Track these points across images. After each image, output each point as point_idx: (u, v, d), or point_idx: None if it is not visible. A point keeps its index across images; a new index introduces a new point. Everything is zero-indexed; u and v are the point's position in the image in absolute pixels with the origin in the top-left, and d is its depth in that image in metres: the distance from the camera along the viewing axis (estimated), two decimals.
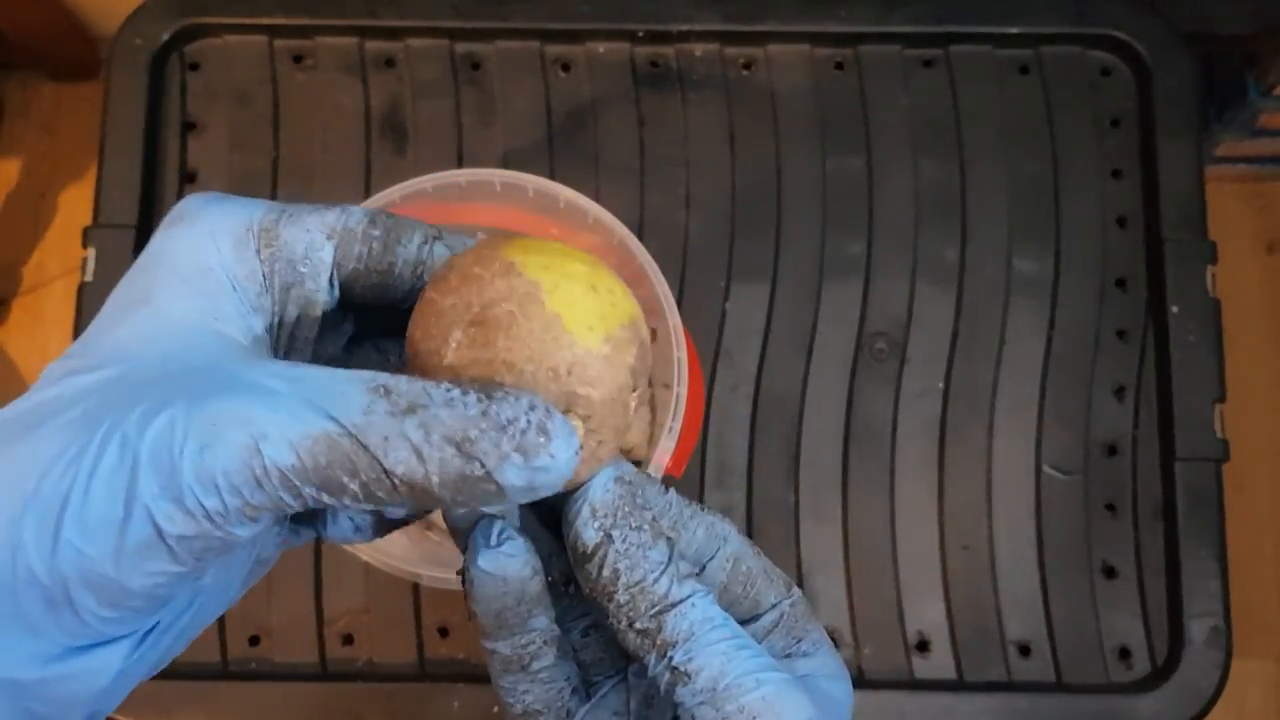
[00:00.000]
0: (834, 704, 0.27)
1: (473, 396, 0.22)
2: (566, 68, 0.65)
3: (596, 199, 0.49)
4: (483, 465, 0.22)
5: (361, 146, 0.64)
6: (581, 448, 0.24)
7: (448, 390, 0.22)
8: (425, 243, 0.28)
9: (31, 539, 0.22)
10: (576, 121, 0.64)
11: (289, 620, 0.58)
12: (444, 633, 0.58)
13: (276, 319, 0.27)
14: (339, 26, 0.65)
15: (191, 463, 0.22)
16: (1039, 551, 0.59)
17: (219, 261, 0.26)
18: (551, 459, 0.22)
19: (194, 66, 0.65)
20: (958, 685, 0.58)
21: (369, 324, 0.31)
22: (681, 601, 0.25)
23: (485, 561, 0.26)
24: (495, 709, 0.56)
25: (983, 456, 0.60)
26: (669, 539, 0.26)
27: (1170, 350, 0.61)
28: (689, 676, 0.24)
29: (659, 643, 0.25)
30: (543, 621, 0.27)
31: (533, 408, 0.22)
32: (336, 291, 0.28)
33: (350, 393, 0.22)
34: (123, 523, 0.22)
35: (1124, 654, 0.58)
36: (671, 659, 0.25)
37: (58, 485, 0.22)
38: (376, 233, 0.27)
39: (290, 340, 0.28)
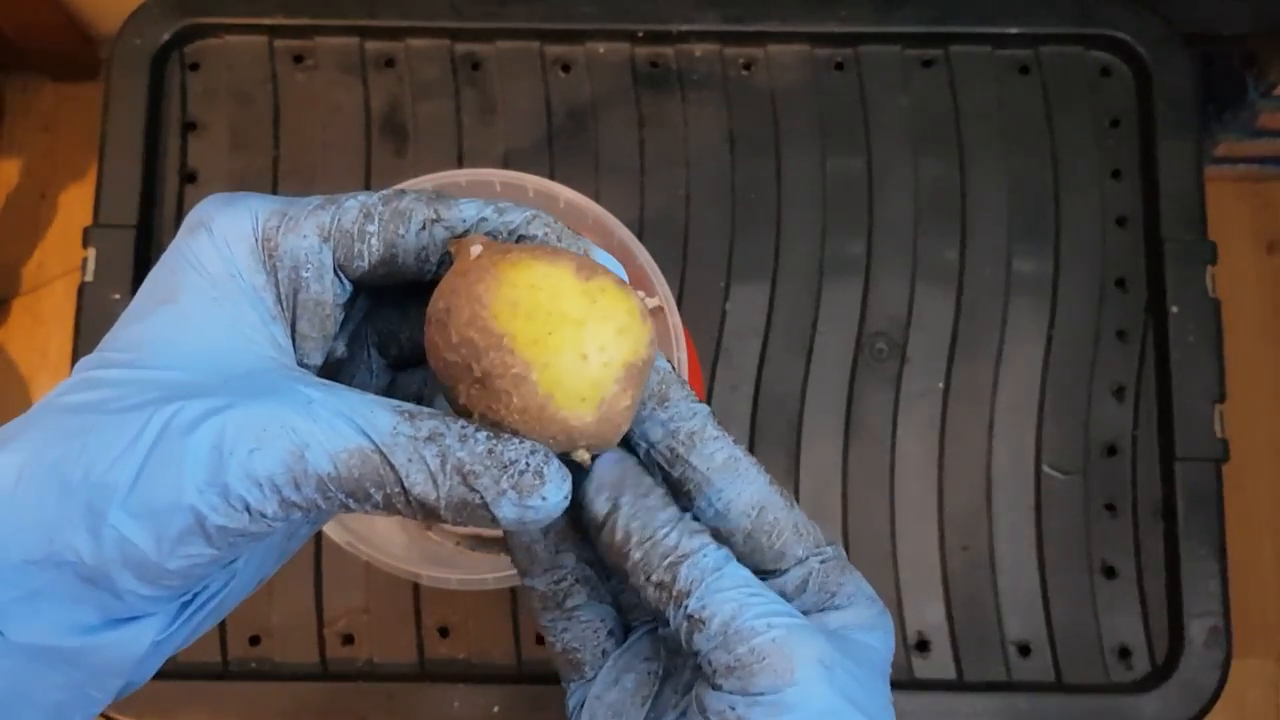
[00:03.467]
0: (866, 651, 0.27)
1: (483, 434, 0.25)
2: (566, 68, 0.65)
3: (596, 199, 0.49)
4: (482, 498, 0.24)
5: (361, 146, 0.64)
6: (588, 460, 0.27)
7: (463, 427, 0.25)
8: (424, 229, 0.28)
9: (78, 524, 0.23)
10: (576, 121, 0.64)
11: (289, 620, 0.58)
12: (444, 633, 0.58)
13: (290, 324, 0.28)
14: (339, 26, 0.65)
15: (240, 462, 0.24)
16: (1039, 551, 0.59)
17: (238, 270, 0.27)
18: (543, 501, 0.25)
19: (194, 66, 0.65)
20: (958, 685, 0.58)
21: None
22: (694, 553, 0.26)
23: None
24: (495, 709, 0.56)
25: (983, 456, 0.60)
26: (680, 508, 0.27)
27: (1170, 350, 0.61)
28: (703, 623, 0.25)
29: (675, 593, 0.26)
30: (570, 559, 0.29)
31: (534, 452, 0.25)
32: (349, 285, 0.28)
33: (379, 412, 0.25)
34: (168, 512, 0.24)
35: (1124, 654, 0.58)
36: (687, 607, 0.26)
37: (107, 475, 0.24)
38: (372, 228, 0.27)
39: (309, 340, 0.28)
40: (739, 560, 0.27)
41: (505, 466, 0.24)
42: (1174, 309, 0.61)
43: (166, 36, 0.64)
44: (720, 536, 0.28)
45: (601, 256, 0.28)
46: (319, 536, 0.58)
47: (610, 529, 0.27)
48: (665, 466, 0.28)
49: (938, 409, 0.61)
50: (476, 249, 0.26)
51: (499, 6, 0.64)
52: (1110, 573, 0.59)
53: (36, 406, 0.26)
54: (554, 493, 0.25)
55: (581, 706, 0.29)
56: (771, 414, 0.60)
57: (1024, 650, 0.58)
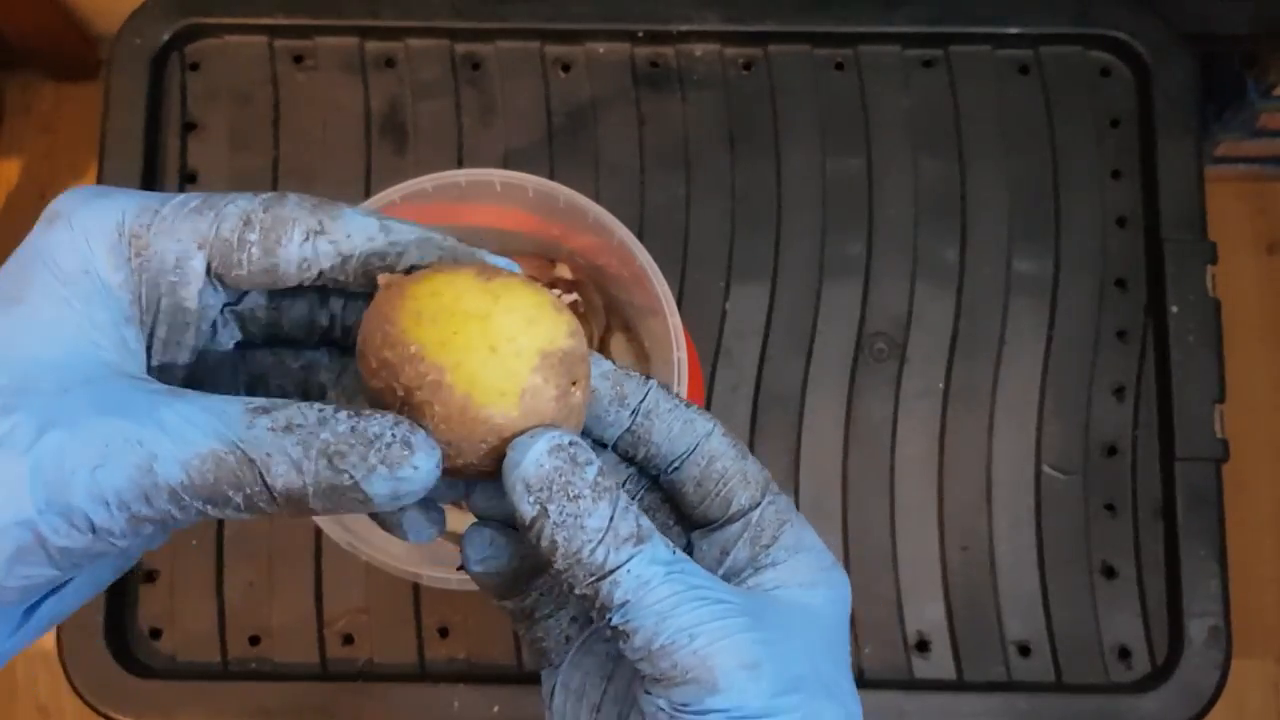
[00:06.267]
0: (805, 616, 0.27)
1: (344, 414, 0.24)
2: (566, 68, 0.65)
3: (596, 199, 0.49)
4: (351, 476, 0.24)
5: (361, 146, 0.64)
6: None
7: (320, 410, 0.24)
8: (306, 240, 0.27)
9: None
10: (576, 121, 0.64)
11: (289, 620, 0.58)
12: (444, 633, 0.58)
13: (149, 330, 0.27)
14: (339, 26, 0.65)
15: (83, 481, 0.23)
16: (1039, 551, 0.59)
17: (93, 267, 0.26)
18: (414, 470, 0.24)
19: (194, 66, 0.65)
20: (958, 685, 0.58)
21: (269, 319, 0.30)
22: (617, 569, 0.25)
23: (478, 567, 0.29)
24: (495, 708, 0.56)
25: (983, 456, 0.60)
26: (613, 492, 0.26)
27: (1170, 350, 0.60)
28: (627, 635, 0.25)
29: (599, 606, 0.25)
30: (536, 583, 0.29)
31: (397, 424, 0.24)
32: (222, 294, 0.27)
33: (231, 412, 0.24)
34: (3, 533, 0.23)
35: (1124, 654, 0.58)
36: (610, 620, 0.25)
37: None
38: (253, 237, 0.26)
39: (167, 347, 0.27)
40: (694, 513, 0.28)
41: (371, 441, 0.24)
42: (1174, 309, 0.61)
43: (166, 36, 0.64)
44: (675, 490, 0.29)
45: (501, 262, 0.28)
46: (319, 536, 0.58)
47: (536, 534, 0.25)
48: (630, 453, 0.29)
49: (938, 409, 0.61)
50: (384, 277, 0.27)
51: (499, 6, 0.64)
52: (1110, 573, 0.59)
53: None
54: (425, 460, 0.24)
55: (552, 693, 0.29)
56: (771, 414, 0.60)
57: (1024, 650, 0.58)
